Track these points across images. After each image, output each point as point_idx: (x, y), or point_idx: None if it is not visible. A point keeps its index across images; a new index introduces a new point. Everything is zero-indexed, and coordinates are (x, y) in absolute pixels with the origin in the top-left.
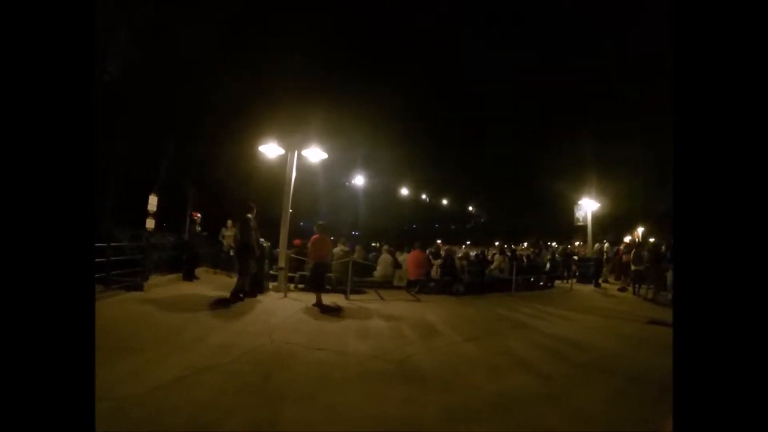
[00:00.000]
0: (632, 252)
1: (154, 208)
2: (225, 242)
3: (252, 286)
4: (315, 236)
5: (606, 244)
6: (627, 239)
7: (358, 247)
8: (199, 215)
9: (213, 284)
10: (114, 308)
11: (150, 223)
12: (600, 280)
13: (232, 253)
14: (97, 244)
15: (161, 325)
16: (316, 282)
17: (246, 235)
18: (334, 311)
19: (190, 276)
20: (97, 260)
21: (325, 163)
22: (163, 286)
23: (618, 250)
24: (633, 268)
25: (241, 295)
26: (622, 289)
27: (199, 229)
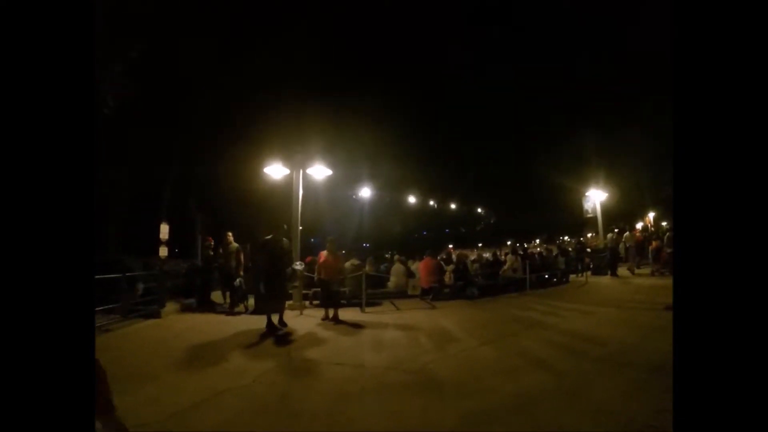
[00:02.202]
0: (666, 236)
1: (166, 236)
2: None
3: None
4: (325, 254)
5: (626, 233)
6: (639, 225)
7: (368, 260)
8: (212, 240)
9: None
10: (131, 336)
11: (163, 251)
12: (627, 268)
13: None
14: (111, 275)
15: (179, 350)
16: (330, 298)
17: (260, 256)
18: (350, 325)
19: (205, 301)
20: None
21: (330, 178)
22: (180, 312)
23: (636, 237)
24: (668, 251)
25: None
26: (655, 274)
27: (212, 254)
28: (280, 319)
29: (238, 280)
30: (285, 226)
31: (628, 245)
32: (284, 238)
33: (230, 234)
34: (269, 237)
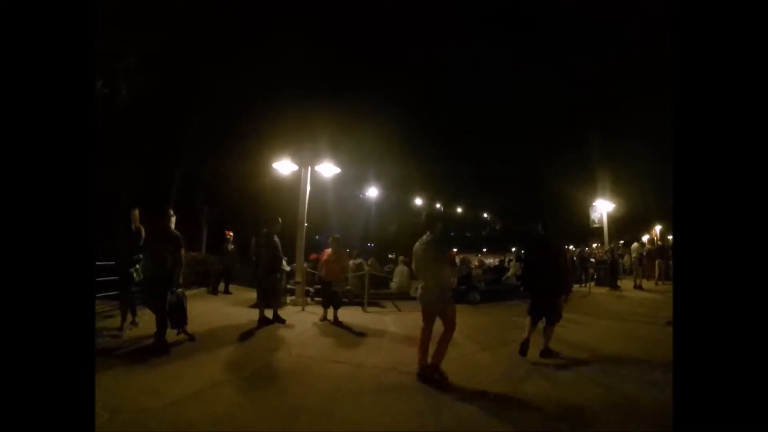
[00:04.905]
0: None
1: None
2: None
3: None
4: (328, 251)
5: (634, 244)
6: (645, 238)
7: (371, 260)
8: (231, 234)
9: (234, 299)
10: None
11: None
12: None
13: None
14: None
15: (179, 340)
16: (329, 299)
17: (256, 250)
18: (351, 324)
19: (216, 291)
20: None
21: (337, 177)
22: None
23: (649, 251)
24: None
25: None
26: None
27: (231, 247)
28: (275, 314)
29: (179, 291)
30: (280, 221)
31: (634, 257)
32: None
33: (137, 211)
34: (265, 231)
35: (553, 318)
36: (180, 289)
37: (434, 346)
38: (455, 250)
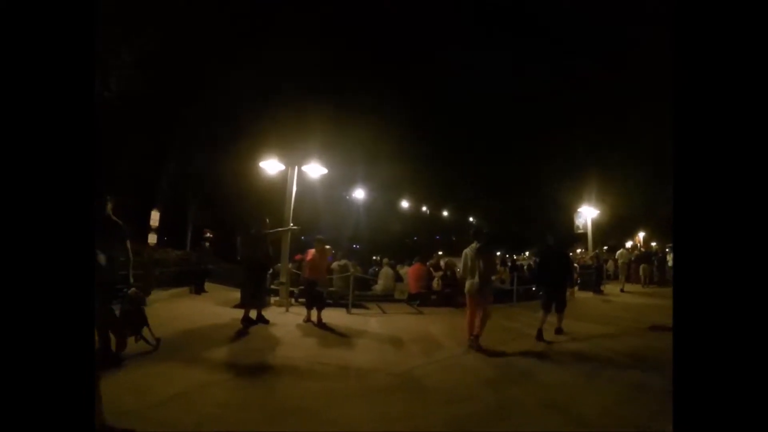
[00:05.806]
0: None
1: (157, 224)
2: None
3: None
4: (312, 252)
5: (620, 250)
6: (629, 244)
7: (352, 263)
8: (209, 232)
9: (217, 299)
10: None
11: (152, 239)
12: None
13: None
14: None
15: (162, 340)
16: (314, 299)
17: (244, 250)
18: (336, 326)
19: (198, 290)
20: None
21: (325, 178)
22: (165, 300)
23: (637, 256)
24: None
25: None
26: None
27: (207, 245)
28: (259, 315)
29: (131, 291)
30: (267, 221)
31: (621, 262)
32: (263, 233)
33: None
34: (253, 231)
35: (562, 305)
36: (132, 290)
37: (478, 320)
38: (440, 253)
